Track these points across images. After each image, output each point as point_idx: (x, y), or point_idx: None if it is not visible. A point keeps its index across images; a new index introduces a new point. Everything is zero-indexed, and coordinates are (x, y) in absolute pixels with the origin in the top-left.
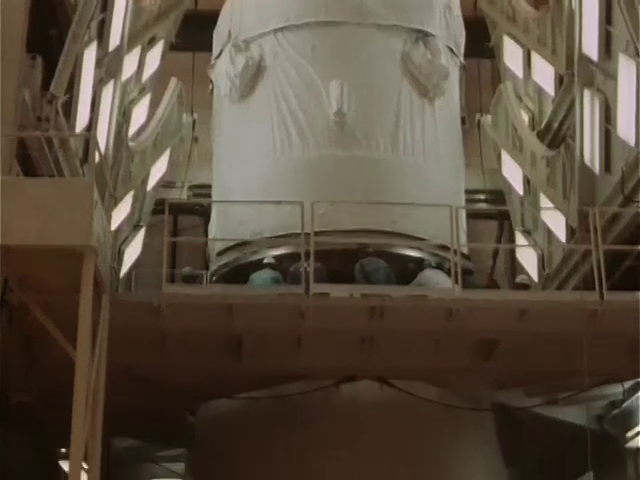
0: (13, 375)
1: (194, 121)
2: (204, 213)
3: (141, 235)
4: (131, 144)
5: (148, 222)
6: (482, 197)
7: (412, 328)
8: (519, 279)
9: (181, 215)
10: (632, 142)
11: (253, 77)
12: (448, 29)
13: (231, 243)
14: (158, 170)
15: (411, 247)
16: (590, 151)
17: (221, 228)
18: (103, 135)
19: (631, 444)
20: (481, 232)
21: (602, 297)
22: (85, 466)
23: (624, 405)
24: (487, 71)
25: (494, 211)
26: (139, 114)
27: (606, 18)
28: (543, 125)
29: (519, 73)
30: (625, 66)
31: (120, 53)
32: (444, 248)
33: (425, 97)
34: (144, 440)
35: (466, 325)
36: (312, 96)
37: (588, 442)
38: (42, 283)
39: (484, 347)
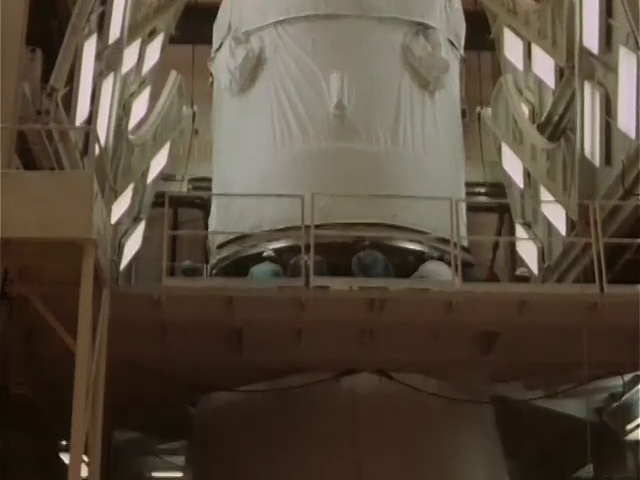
0: (13, 367)
1: (194, 114)
2: (204, 206)
3: (141, 228)
4: (131, 137)
5: (148, 215)
6: (482, 190)
7: (412, 321)
8: (519, 272)
9: (181, 208)
10: (632, 135)
11: (253, 70)
12: (448, 22)
13: (231, 236)
14: (158, 163)
15: (411, 240)
16: (590, 144)
17: (221, 221)
18: (103, 128)
19: (631, 437)
20: (481, 225)
21: (602, 290)
22: (85, 459)
23: (624, 398)
24: (487, 64)
25: (494, 204)
26: (139, 107)
27: (607, 10)
28: (543, 118)
29: (519, 66)
30: (625, 59)
31: (120, 46)
32: (444, 241)
33: (425, 90)
34: (145, 433)
35: (466, 318)
36: (312, 89)
37: (588, 435)
38: (42, 275)
39: (484, 340)
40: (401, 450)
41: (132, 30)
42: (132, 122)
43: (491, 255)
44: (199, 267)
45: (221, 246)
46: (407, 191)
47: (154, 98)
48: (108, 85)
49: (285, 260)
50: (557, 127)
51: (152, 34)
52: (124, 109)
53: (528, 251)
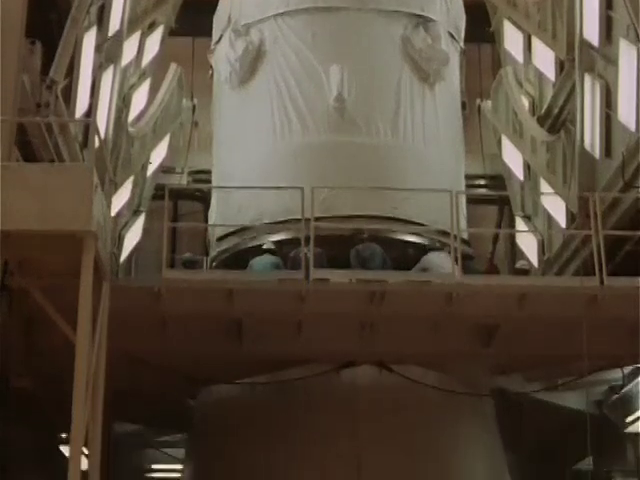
0: (13, 360)
1: (194, 106)
2: (204, 199)
3: (141, 220)
4: (131, 129)
5: (148, 207)
6: (482, 182)
7: (412, 313)
8: (519, 264)
9: (181, 200)
10: (632, 127)
11: (253, 62)
12: (448, 14)
13: (231, 228)
14: (158, 155)
15: (411, 232)
16: (590, 136)
17: (221, 214)
18: (103, 120)
19: (631, 429)
20: (481, 217)
21: (602, 282)
22: (86, 451)
23: (624, 390)
24: (487, 56)
25: (494, 196)
26: (139, 99)
27: (607, 3)
28: (543, 110)
29: (519, 58)
30: (626, 51)
31: (120, 38)
32: (444, 233)
33: (425, 82)
34: (145, 425)
35: (466, 310)
36: (312, 81)
37: (588, 427)
38: (42, 268)
39: (484, 332)
40: (401, 442)
41: (132, 22)
42: (132, 114)
43: (491, 248)
44: (199, 259)
45: (221, 238)
46: (407, 184)
47: (154, 90)
48: (108, 77)
49: (285, 252)
50: (557, 119)
51: (152, 26)
52: (124, 101)
53: (528, 243)
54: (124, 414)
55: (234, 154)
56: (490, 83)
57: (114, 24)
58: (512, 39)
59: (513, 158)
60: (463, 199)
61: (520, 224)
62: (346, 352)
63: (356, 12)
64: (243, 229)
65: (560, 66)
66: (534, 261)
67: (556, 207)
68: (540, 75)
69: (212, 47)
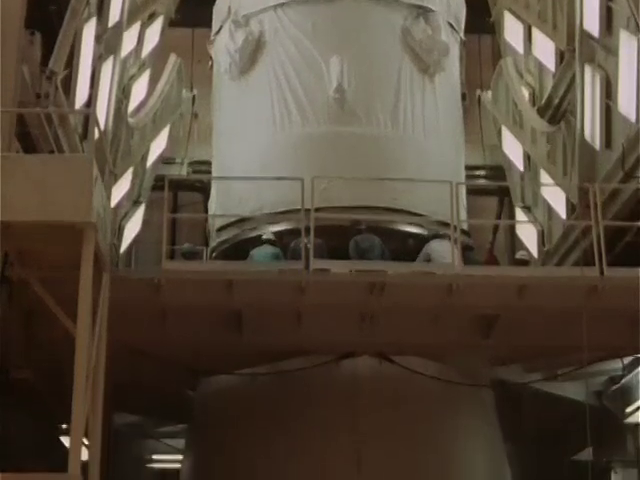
0: (13, 351)
1: (194, 97)
2: (204, 189)
3: (141, 211)
4: (131, 120)
5: (148, 198)
6: (482, 173)
7: (412, 304)
8: (519, 255)
9: (181, 191)
10: (633, 118)
11: (253, 53)
12: (448, 5)
13: (231, 219)
14: (158, 146)
15: (411, 223)
16: (591, 127)
17: (221, 204)
18: (103, 111)
19: (630, 419)
20: (481, 208)
21: (602, 273)
22: (86, 442)
23: (623, 381)
24: (488, 47)
25: (494, 187)
26: (139, 90)
27: None
28: (544, 101)
29: (520, 49)
30: (626, 42)
31: (119, 29)
32: (444, 224)
33: (425, 73)
34: (145, 416)
35: (466, 301)
36: (312, 72)
37: (587, 418)
38: (42, 259)
39: (484, 323)
40: (401, 433)
41: (132, 13)
42: (132, 105)
43: (491, 238)
44: (199, 250)
45: (221, 229)
46: (407, 174)
47: (154, 81)
48: (107, 68)
49: (285, 243)
50: (557, 110)
51: (152, 17)
52: (124, 92)
53: (528, 234)
54: (124, 405)
55: (234, 145)
56: (490, 74)
57: (114, 15)
58: (512, 30)
59: (513, 149)
60: (463, 190)
61: (520, 215)
62: (346, 343)
63: (356, 3)
64: (243, 220)
65: (560, 57)
66: (534, 252)
67: (556, 198)
68: (540, 66)
69: (212, 38)
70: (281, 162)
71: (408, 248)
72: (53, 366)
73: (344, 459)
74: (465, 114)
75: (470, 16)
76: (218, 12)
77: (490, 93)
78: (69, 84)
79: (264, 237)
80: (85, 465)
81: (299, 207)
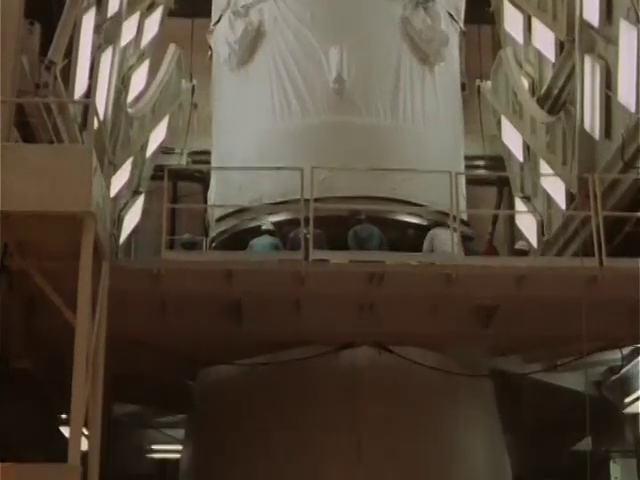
0: (13, 341)
1: (193, 87)
2: (203, 179)
3: (140, 201)
4: (130, 110)
5: (147, 188)
6: (482, 163)
7: (411, 294)
8: (518, 245)
9: (180, 181)
10: (632, 108)
11: (252, 43)
12: None
13: (230, 209)
14: (157, 136)
15: (410, 213)
16: (590, 117)
17: (220, 194)
18: (102, 101)
19: (629, 410)
20: (481, 198)
21: (601, 263)
22: (86, 432)
23: (623, 371)
24: (487, 37)
25: (494, 177)
26: (138, 80)
27: None
28: (543, 91)
29: (519, 39)
30: (626, 32)
31: (119, 19)
32: (444, 214)
33: (425, 63)
34: (144, 406)
35: (465, 291)
36: (311, 62)
37: (587, 408)
38: (42, 249)
39: (483, 313)
40: (400, 423)
41: (131, 3)
42: (131, 95)
43: (490, 228)
44: (198, 240)
45: (220, 219)
46: (407, 164)
47: (153, 71)
48: (107, 58)
49: (284, 233)
50: (557, 100)
51: (151, 7)
52: (123, 82)
53: (527, 224)
54: (124, 395)
55: (233, 135)
56: (490, 64)
57: (113, 5)
58: (512, 20)
59: (513, 139)
60: (462, 180)
61: (519, 205)
62: (345, 333)
63: None
64: (242, 210)
65: (560, 47)
66: (533, 242)
67: (556, 188)
68: (540, 56)
69: (211, 28)
70: (280, 152)
71: (407, 238)
72: (53, 356)
73: (344, 449)
74: (465, 104)
75: (470, 6)
76: (217, 2)
77: (490, 83)
78: (68, 74)
79: (263, 227)
80: (85, 455)
81: (298, 197)
